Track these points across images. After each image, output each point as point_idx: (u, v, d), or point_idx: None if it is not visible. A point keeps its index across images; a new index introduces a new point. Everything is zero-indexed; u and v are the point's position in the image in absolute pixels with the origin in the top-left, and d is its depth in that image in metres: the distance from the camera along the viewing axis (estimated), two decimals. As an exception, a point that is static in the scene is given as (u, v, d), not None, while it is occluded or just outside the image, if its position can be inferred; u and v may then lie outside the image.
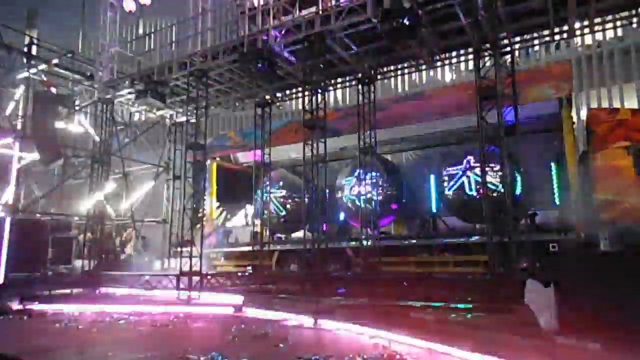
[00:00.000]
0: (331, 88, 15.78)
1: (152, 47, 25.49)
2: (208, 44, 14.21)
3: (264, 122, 14.91)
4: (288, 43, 12.37)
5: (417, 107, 16.46)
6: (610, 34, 22.47)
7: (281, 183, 18.02)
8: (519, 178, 13.12)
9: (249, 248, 15.66)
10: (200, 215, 15.06)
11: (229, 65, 13.80)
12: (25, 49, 17.99)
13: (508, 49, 11.64)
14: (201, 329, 8.91)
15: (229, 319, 9.74)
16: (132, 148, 22.95)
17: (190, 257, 13.75)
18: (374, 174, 13.80)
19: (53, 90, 17.73)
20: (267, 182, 15.94)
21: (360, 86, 13.87)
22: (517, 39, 12.37)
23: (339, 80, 15.25)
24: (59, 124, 17.57)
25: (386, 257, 13.67)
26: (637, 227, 9.46)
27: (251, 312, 10.42)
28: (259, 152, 15.06)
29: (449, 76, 27.60)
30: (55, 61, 18.09)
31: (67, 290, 13.77)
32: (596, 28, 11.56)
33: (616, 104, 23.21)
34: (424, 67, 14.31)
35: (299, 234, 16.61)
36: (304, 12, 12.35)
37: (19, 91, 17.64)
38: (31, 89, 17.24)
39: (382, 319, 8.10)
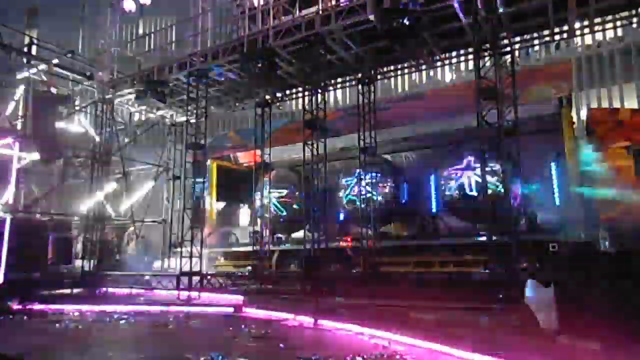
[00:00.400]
0: (331, 88, 15.79)
1: (152, 47, 25.48)
2: (208, 44, 14.21)
3: (264, 122, 14.91)
4: (288, 43, 12.37)
5: (417, 107, 16.45)
6: (610, 34, 22.46)
7: (281, 183, 18.01)
8: (518, 178, 13.11)
9: (249, 248, 15.65)
10: (200, 215, 15.07)
11: (229, 65, 13.80)
12: (25, 49, 17.97)
13: (508, 49, 11.64)
14: (201, 329, 8.90)
15: (229, 319, 9.74)
16: (132, 148, 22.95)
17: (190, 257, 13.76)
18: (374, 174, 13.80)
19: (53, 90, 17.71)
20: (267, 182, 15.94)
21: (360, 86, 13.86)
22: (517, 39, 12.37)
23: (339, 80, 15.26)
24: (59, 124, 17.56)
25: (386, 257, 13.66)
26: (637, 227, 9.46)
27: (251, 312, 10.42)
28: (259, 152, 15.05)
29: (449, 76, 27.58)
30: (55, 61, 18.08)
31: (67, 290, 13.77)
32: (596, 28, 11.57)
33: (616, 104, 23.20)
34: (424, 67, 14.32)
35: (299, 234, 16.61)
36: (304, 12, 12.36)
37: (19, 91, 17.62)
38: (31, 89, 17.22)
39: (382, 319, 8.10)
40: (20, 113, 18.09)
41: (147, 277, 15.61)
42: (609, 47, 23.71)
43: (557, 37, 11.90)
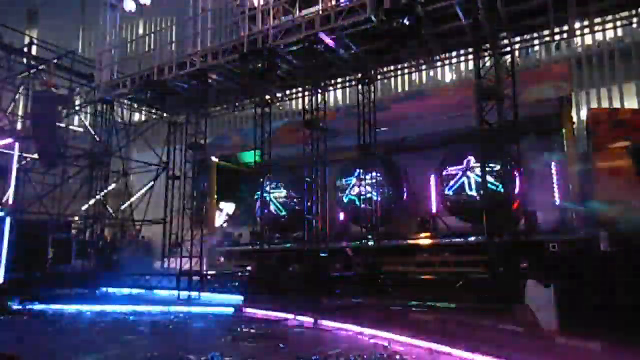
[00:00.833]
0: (331, 88, 15.78)
1: (152, 47, 25.46)
2: (208, 44, 14.21)
3: (264, 122, 14.91)
4: (288, 43, 12.37)
5: (417, 107, 16.45)
6: (610, 34, 22.44)
7: (281, 183, 18.01)
8: (518, 178, 13.11)
9: (249, 248, 15.64)
10: (200, 215, 15.07)
11: (229, 65, 13.79)
12: (25, 49, 17.99)
13: (508, 49, 11.64)
14: (201, 329, 8.91)
15: (229, 319, 9.74)
16: (132, 148, 22.93)
17: (190, 257, 13.76)
18: (374, 174, 13.79)
19: (53, 90, 17.71)
20: (267, 182, 15.93)
21: (360, 86, 13.86)
22: (517, 39, 12.36)
23: (339, 80, 15.25)
24: (59, 124, 17.56)
25: (386, 257, 13.66)
26: (637, 227, 9.45)
27: (251, 312, 10.42)
28: (258, 152, 15.04)
29: (449, 76, 27.57)
30: (55, 61, 18.09)
31: (67, 290, 13.77)
32: (596, 28, 11.56)
33: (616, 104, 23.18)
34: (424, 67, 14.31)
35: (299, 233, 16.60)
36: (304, 12, 12.35)
37: (19, 91, 17.63)
38: (31, 89, 17.22)
39: (382, 319, 8.10)
40: (20, 113, 18.10)
41: (147, 277, 15.60)
42: (609, 47, 23.68)
43: (557, 37, 11.90)
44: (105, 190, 17.10)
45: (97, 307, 11.08)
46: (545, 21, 11.13)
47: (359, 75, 13.98)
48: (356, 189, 15.74)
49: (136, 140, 20.64)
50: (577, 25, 11.28)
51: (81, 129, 19.46)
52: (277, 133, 16.55)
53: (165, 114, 18.79)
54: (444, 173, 14.81)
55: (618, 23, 11.49)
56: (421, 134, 15.99)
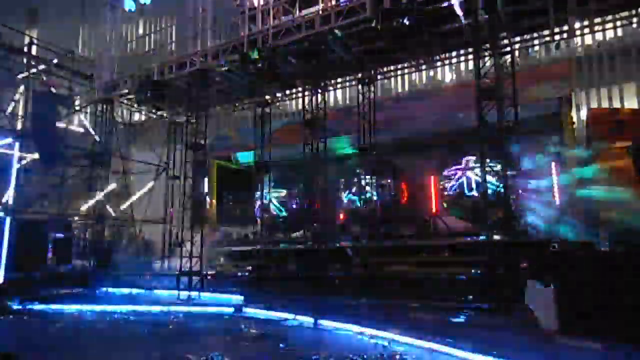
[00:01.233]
0: (331, 88, 15.79)
1: (152, 47, 25.47)
2: (208, 44, 14.20)
3: (264, 122, 14.91)
4: (288, 43, 12.37)
5: (417, 107, 16.45)
6: (610, 34, 22.43)
7: (281, 183, 18.01)
8: (518, 178, 13.09)
9: (249, 248, 15.64)
10: (200, 215, 15.06)
11: (229, 65, 13.79)
12: (25, 49, 17.98)
13: (508, 49, 11.63)
14: (201, 329, 8.90)
15: (229, 319, 9.74)
16: (132, 148, 22.91)
17: (190, 257, 13.76)
18: (374, 174, 13.79)
19: (53, 90, 17.71)
20: (267, 182, 15.92)
21: (360, 86, 13.86)
22: (517, 39, 12.36)
23: (339, 80, 15.24)
24: (59, 124, 17.56)
25: (386, 257, 13.65)
26: (637, 227, 9.46)
27: (251, 312, 10.42)
28: (259, 152, 15.04)
29: (449, 76, 27.55)
30: (55, 61, 18.09)
31: (67, 290, 13.76)
32: (596, 28, 11.56)
33: (616, 104, 23.16)
34: (424, 67, 14.30)
35: (298, 233, 16.60)
36: (304, 12, 12.35)
37: (19, 91, 17.62)
38: (31, 89, 17.22)
39: (382, 319, 8.10)
40: (20, 113, 18.10)
41: (147, 277, 15.59)
42: (609, 47, 23.67)
43: (557, 37, 11.89)
44: (105, 190, 17.09)
45: (97, 307, 11.07)
46: (545, 21, 11.13)
47: (359, 75, 13.98)
48: (356, 189, 15.74)
49: (136, 140, 20.65)
50: (577, 25, 11.28)
51: (81, 129, 19.44)
52: (277, 133, 16.55)
53: (165, 114, 18.78)
54: (444, 173, 14.81)
55: (618, 23, 11.49)
56: (421, 134, 15.99)
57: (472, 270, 12.63)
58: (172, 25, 26.22)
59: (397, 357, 6.14)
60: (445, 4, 10.52)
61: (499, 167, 11.37)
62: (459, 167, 14.48)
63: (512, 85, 11.24)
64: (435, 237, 14.62)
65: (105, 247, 17.23)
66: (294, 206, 17.59)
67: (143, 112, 19.32)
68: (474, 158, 13.94)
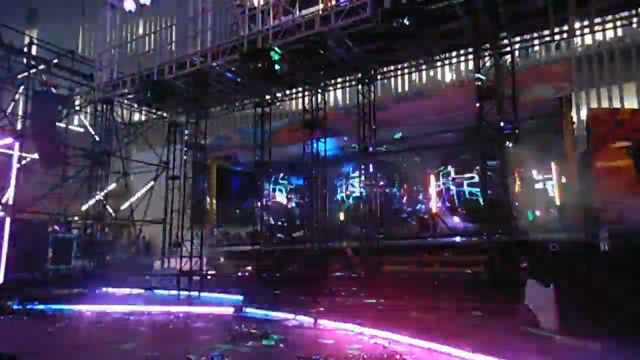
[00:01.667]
0: (331, 88, 15.79)
1: (152, 47, 25.46)
2: (208, 44, 14.21)
3: (264, 122, 14.91)
4: (288, 43, 12.37)
5: (417, 107, 16.45)
6: (610, 34, 22.44)
7: (281, 183, 18.01)
8: (518, 178, 13.11)
9: (249, 248, 15.65)
10: (200, 215, 15.07)
11: (229, 65, 13.80)
12: (25, 49, 17.98)
13: (508, 49, 11.63)
14: (201, 329, 8.90)
15: (229, 319, 9.74)
16: (132, 148, 22.92)
17: (190, 257, 13.77)
18: (374, 174, 13.79)
19: (53, 90, 17.71)
20: (267, 182, 15.94)
21: (360, 86, 13.86)
22: (517, 39, 12.35)
23: (339, 80, 15.24)
24: (59, 124, 17.56)
25: (386, 257, 13.66)
26: (637, 227, 9.45)
27: (251, 312, 10.43)
28: (259, 152, 15.06)
29: (449, 76, 27.57)
30: (55, 61, 18.09)
31: (67, 290, 13.77)
32: (596, 28, 11.56)
33: (616, 104, 23.18)
34: (424, 67, 14.30)
35: (299, 233, 16.61)
36: (304, 12, 12.35)
37: (19, 91, 17.63)
38: (31, 89, 17.23)
39: (382, 319, 8.10)
40: (20, 113, 18.10)
41: (147, 277, 15.61)
42: (609, 47, 23.68)
43: (557, 37, 11.89)
44: (105, 190, 17.10)
45: (97, 307, 11.08)
46: (545, 21, 11.12)
47: (359, 75, 13.98)
48: (356, 189, 15.74)
49: (136, 140, 20.65)
50: (577, 25, 11.28)
51: (81, 129, 19.44)
52: (277, 133, 16.56)
53: (165, 114, 18.78)
54: (444, 173, 14.81)
55: (618, 23, 11.48)
56: (421, 134, 15.99)
57: (472, 270, 12.66)
58: (172, 25, 26.21)
59: (397, 357, 6.14)
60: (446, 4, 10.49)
61: (498, 167, 11.37)
62: (458, 167, 14.48)
63: (512, 85, 11.23)
64: (435, 237, 14.63)
65: (105, 247, 17.23)
66: (294, 206, 17.59)
67: (143, 112, 19.32)
68: (473, 158, 13.93)
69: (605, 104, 23.36)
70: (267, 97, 15.35)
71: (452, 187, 14.67)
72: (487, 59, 10.71)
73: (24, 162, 16.30)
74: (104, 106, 16.95)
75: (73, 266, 16.49)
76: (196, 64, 14.06)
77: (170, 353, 6.74)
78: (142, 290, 14.49)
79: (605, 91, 23.59)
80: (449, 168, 14.76)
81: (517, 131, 10.75)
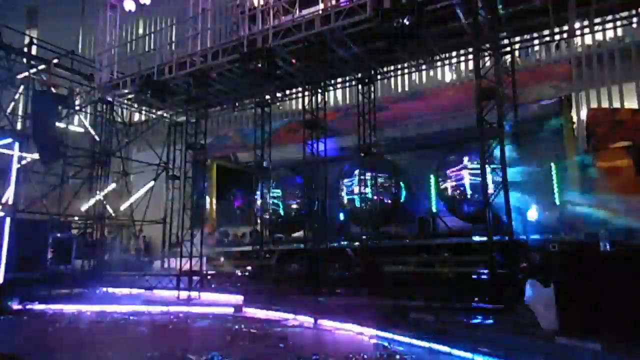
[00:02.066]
0: (331, 88, 15.79)
1: (152, 47, 25.46)
2: (208, 44, 14.21)
3: (264, 122, 14.90)
4: (288, 43, 12.37)
5: (417, 107, 16.43)
6: (610, 34, 22.43)
7: (281, 183, 17.99)
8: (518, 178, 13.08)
9: (249, 248, 15.65)
10: (200, 215, 15.07)
11: (229, 65, 13.80)
12: (25, 49, 17.99)
13: (508, 49, 11.64)
14: (201, 329, 8.91)
15: (229, 319, 9.74)
16: (132, 148, 22.92)
17: (190, 257, 13.76)
18: (374, 174, 13.79)
19: (53, 90, 17.71)
20: (267, 182, 15.92)
21: (360, 86, 13.86)
22: (517, 39, 12.36)
23: (339, 80, 15.24)
24: (59, 124, 17.56)
25: (386, 257, 13.65)
26: (637, 227, 9.45)
27: (251, 312, 10.43)
28: (259, 152, 15.04)
29: (449, 76, 27.55)
30: (55, 61, 18.09)
31: (67, 290, 13.77)
32: (596, 28, 11.56)
33: (616, 104, 23.15)
34: (424, 67, 14.31)
35: (299, 234, 16.60)
36: (304, 12, 12.36)
37: (19, 91, 17.63)
38: (31, 89, 17.23)
39: (382, 319, 8.10)
40: (20, 113, 18.11)
41: (147, 277, 15.60)
42: (609, 47, 23.67)
43: (557, 37, 11.90)
44: (105, 190, 17.10)
45: (97, 307, 11.08)
46: (545, 21, 11.13)
47: (359, 75, 13.98)
48: (356, 189, 15.73)
49: (136, 140, 20.66)
50: (577, 25, 11.28)
51: (81, 129, 19.45)
52: (277, 133, 16.54)
53: (165, 114, 18.79)
54: (444, 173, 14.79)
55: (618, 23, 11.50)
56: (421, 134, 15.97)
57: (472, 270, 12.65)
58: (172, 25, 26.22)
59: (397, 357, 6.14)
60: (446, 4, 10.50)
61: (498, 167, 11.37)
62: (458, 166, 14.45)
63: (512, 85, 11.23)
64: (435, 237, 14.61)
65: (105, 247, 17.23)
66: (294, 206, 17.56)
67: (143, 112, 19.33)
68: (473, 158, 13.91)
69: (605, 104, 23.34)
70: (267, 97, 15.35)
71: (452, 187, 14.64)
72: (487, 59, 10.71)
73: (24, 162, 16.29)
74: (104, 106, 16.96)
75: (73, 266, 16.49)
76: (196, 64, 14.06)
77: (170, 353, 6.74)
78: (142, 290, 14.48)
79: (605, 91, 23.57)
80: (449, 168, 14.72)
81: (516, 131, 10.76)
